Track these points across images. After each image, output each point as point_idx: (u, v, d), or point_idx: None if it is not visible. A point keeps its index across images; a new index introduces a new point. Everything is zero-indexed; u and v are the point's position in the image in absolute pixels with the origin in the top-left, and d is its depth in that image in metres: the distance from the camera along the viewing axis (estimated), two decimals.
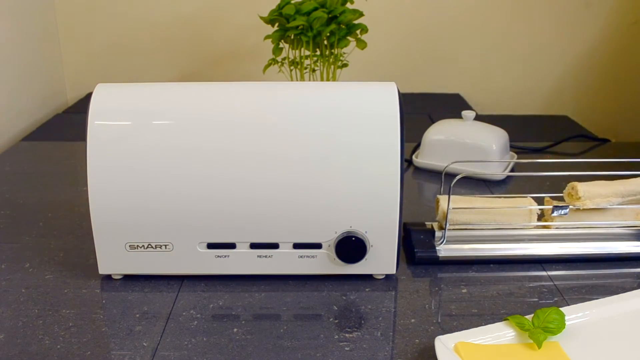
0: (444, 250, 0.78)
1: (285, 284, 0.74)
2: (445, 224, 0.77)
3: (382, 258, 0.72)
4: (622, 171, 0.80)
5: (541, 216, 0.82)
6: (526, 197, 0.81)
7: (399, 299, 0.71)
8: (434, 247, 0.78)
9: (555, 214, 0.78)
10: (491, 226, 0.79)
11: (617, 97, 1.62)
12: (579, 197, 0.77)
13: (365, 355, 0.61)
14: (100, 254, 0.72)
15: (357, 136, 0.68)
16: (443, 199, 0.79)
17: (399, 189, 0.69)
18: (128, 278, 0.74)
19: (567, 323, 0.62)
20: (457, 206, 0.78)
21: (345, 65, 1.25)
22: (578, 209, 0.79)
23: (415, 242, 0.78)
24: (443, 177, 0.82)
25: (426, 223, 0.82)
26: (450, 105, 1.54)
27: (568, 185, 0.79)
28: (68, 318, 0.67)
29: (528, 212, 0.79)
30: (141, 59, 1.64)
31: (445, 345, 0.59)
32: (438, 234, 0.79)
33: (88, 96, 0.70)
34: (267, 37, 1.21)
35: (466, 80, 1.65)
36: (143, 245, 0.71)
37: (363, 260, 0.71)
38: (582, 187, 0.78)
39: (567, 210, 0.78)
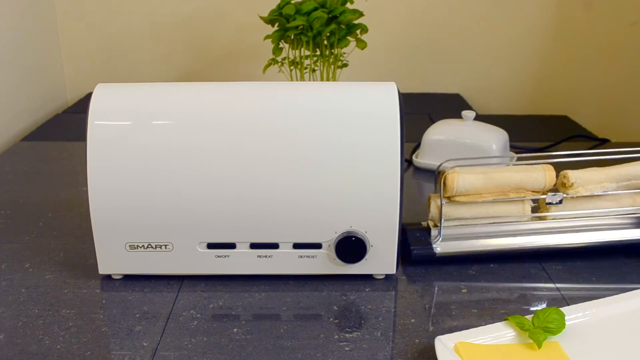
0: (441, 247, 0.78)
1: (285, 284, 0.74)
2: (441, 221, 0.77)
3: (382, 258, 0.72)
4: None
5: (537, 209, 0.81)
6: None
7: (399, 299, 0.71)
8: (430, 244, 0.78)
9: (549, 200, 0.77)
10: (486, 221, 0.78)
11: (617, 97, 1.62)
12: (572, 184, 0.77)
13: (365, 355, 0.61)
14: (100, 254, 0.72)
15: (357, 136, 0.68)
16: (435, 197, 0.78)
17: (399, 189, 0.69)
18: (128, 278, 0.74)
19: (567, 323, 0.62)
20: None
21: (345, 65, 1.25)
22: (572, 198, 0.78)
23: (412, 240, 0.78)
24: (437, 174, 0.81)
25: (422, 222, 0.82)
26: (450, 105, 1.54)
27: (560, 174, 0.78)
28: (68, 318, 0.67)
29: (521, 204, 0.78)
30: (141, 59, 1.64)
31: (445, 345, 0.59)
32: (434, 231, 0.78)
33: (88, 96, 0.70)
34: (267, 37, 1.21)
35: (466, 80, 1.65)
36: (143, 245, 0.71)
37: (363, 260, 0.71)
38: (573, 174, 0.77)
39: (561, 198, 0.78)
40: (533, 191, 0.78)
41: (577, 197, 0.78)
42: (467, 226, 0.79)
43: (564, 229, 0.79)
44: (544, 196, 0.78)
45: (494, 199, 0.77)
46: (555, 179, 0.78)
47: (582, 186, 0.77)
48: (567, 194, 0.78)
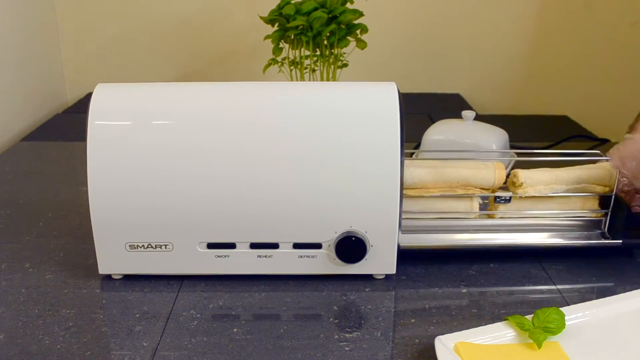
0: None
1: (285, 284, 0.74)
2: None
3: (382, 258, 0.72)
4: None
5: (487, 206, 0.81)
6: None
7: (399, 299, 0.71)
8: None
9: (497, 199, 0.77)
10: (434, 215, 0.77)
11: (617, 97, 1.62)
12: (521, 184, 0.76)
13: (365, 355, 0.61)
14: (100, 254, 0.72)
15: (357, 136, 0.68)
16: None
17: (399, 189, 0.69)
18: (128, 278, 0.74)
19: (567, 323, 0.62)
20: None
21: (345, 65, 1.25)
22: (521, 197, 0.77)
23: None
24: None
25: None
26: (450, 105, 1.54)
27: (511, 172, 0.78)
28: (68, 318, 0.67)
29: (469, 200, 0.77)
30: (141, 59, 1.64)
31: (445, 345, 0.59)
32: None
33: (88, 96, 0.70)
34: (267, 37, 1.21)
35: (466, 80, 1.65)
36: (143, 245, 0.71)
37: (363, 260, 0.71)
38: (523, 173, 0.77)
39: (509, 197, 0.77)
40: (482, 188, 0.77)
41: (526, 197, 0.77)
42: (415, 220, 0.78)
43: (512, 226, 0.79)
44: (492, 194, 0.77)
45: (442, 194, 0.76)
46: (505, 177, 0.77)
47: (531, 186, 0.77)
48: (516, 194, 0.77)
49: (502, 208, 0.78)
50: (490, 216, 0.79)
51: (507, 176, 0.79)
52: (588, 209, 0.79)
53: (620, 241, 0.78)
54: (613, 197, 0.78)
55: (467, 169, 0.77)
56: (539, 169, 0.78)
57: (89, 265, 0.77)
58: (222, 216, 0.69)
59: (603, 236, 0.79)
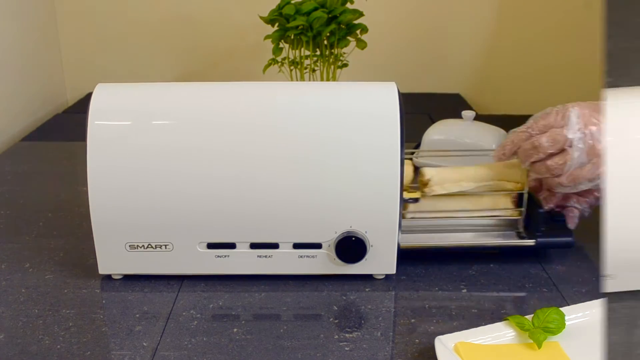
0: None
1: (285, 284, 0.74)
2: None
3: (382, 258, 0.72)
4: None
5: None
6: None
7: (399, 299, 0.71)
8: None
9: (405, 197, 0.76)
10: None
11: None
12: (427, 181, 0.75)
13: (365, 355, 0.61)
14: (100, 254, 0.72)
15: (357, 136, 0.68)
16: None
17: (399, 189, 0.69)
18: (128, 278, 0.74)
19: (567, 323, 0.62)
20: None
21: (345, 65, 1.25)
22: (430, 196, 0.76)
23: None
24: None
25: None
26: (450, 105, 1.54)
27: (419, 170, 0.76)
28: (68, 318, 0.67)
29: None
30: (141, 58, 1.64)
31: (445, 345, 0.59)
32: None
33: (88, 96, 0.70)
34: (267, 37, 1.21)
35: (466, 80, 1.65)
36: (143, 245, 0.71)
37: (363, 260, 0.71)
38: (429, 171, 0.75)
39: (417, 195, 0.76)
40: None
41: (437, 195, 0.76)
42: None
43: (421, 227, 0.78)
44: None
45: None
46: (412, 174, 0.76)
47: (438, 184, 0.75)
48: (423, 192, 0.76)
49: (411, 207, 0.77)
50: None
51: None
52: (502, 207, 0.78)
53: (534, 241, 0.76)
54: (526, 195, 0.77)
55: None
56: (449, 167, 0.77)
57: (89, 265, 0.77)
58: (222, 216, 0.69)
59: (519, 236, 0.78)
